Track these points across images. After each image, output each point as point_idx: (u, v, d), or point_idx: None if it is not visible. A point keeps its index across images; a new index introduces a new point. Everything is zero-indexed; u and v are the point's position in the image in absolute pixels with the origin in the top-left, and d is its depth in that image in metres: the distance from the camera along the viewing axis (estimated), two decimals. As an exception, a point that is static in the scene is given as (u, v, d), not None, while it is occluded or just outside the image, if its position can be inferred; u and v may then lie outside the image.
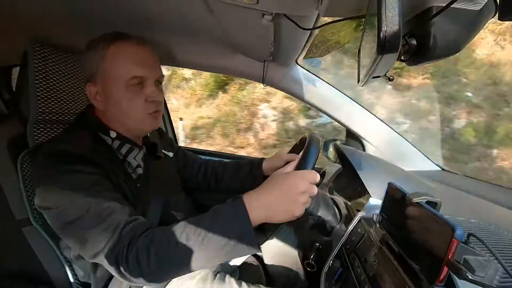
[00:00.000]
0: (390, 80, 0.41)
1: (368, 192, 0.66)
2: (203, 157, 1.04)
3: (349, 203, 0.77)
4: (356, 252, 0.58)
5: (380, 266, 0.50)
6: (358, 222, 0.63)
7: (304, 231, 0.70)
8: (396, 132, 1.08)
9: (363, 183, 0.67)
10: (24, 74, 0.72)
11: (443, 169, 1.08)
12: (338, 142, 1.07)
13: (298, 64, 1.00)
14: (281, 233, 0.96)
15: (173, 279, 0.67)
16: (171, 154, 0.88)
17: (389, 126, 1.08)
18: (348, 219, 0.70)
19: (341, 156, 0.89)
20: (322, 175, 1.01)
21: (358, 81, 0.46)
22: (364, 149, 1.13)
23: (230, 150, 3.56)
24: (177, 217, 0.74)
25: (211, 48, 0.93)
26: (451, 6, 0.35)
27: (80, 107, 0.84)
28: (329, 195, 0.84)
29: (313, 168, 0.55)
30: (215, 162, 0.98)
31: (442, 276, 0.36)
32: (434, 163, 1.08)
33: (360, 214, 0.64)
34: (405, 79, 3.28)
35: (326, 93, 1.05)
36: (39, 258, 0.68)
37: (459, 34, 0.41)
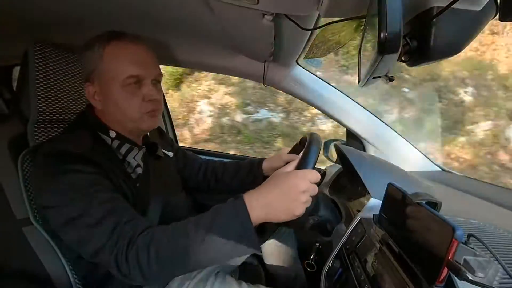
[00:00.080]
0: (390, 80, 0.41)
1: (368, 193, 0.66)
2: (203, 157, 1.04)
3: (349, 203, 0.77)
4: (356, 252, 0.58)
5: (380, 266, 0.50)
6: (358, 222, 0.63)
7: (304, 231, 0.69)
8: (397, 132, 1.08)
9: (363, 183, 0.67)
10: (25, 74, 0.72)
11: (443, 170, 1.08)
12: (338, 142, 1.07)
13: (299, 64, 1.00)
14: (281, 233, 0.96)
15: (172, 279, 0.67)
16: (171, 154, 0.88)
17: (389, 127, 1.08)
18: (348, 219, 0.70)
19: (341, 156, 0.89)
20: (323, 175, 1.01)
21: (359, 81, 0.46)
22: (364, 149, 1.13)
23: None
24: (177, 217, 0.74)
25: (212, 48, 0.93)
26: (452, 6, 0.35)
27: (81, 106, 0.84)
28: (329, 195, 0.84)
29: (314, 168, 0.55)
30: (215, 162, 0.98)
31: (442, 277, 0.36)
32: (435, 164, 1.08)
33: (360, 215, 0.64)
34: (350, 75, 3.39)
35: (327, 93, 1.05)
36: (39, 258, 0.68)
37: (459, 35, 0.41)
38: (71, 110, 0.81)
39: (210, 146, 3.32)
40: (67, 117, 0.80)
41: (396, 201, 0.50)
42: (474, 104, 2.98)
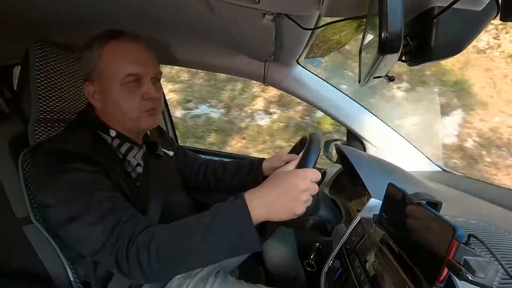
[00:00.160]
0: (391, 80, 0.41)
1: (368, 193, 0.66)
2: (203, 156, 1.04)
3: (349, 203, 0.77)
4: (356, 252, 0.58)
5: (380, 266, 0.50)
6: (358, 222, 0.63)
7: (304, 231, 0.69)
8: (397, 132, 1.08)
9: (363, 183, 0.67)
10: (25, 73, 0.72)
11: (443, 170, 1.08)
12: (338, 142, 1.07)
13: (299, 64, 1.00)
14: (281, 233, 0.96)
15: (173, 279, 0.67)
16: (171, 153, 0.88)
17: (389, 127, 1.08)
18: (348, 219, 0.70)
19: (342, 156, 0.89)
20: (323, 174, 1.01)
21: (359, 81, 0.46)
22: (364, 149, 1.13)
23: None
24: (178, 217, 0.74)
25: (212, 48, 0.93)
26: (453, 6, 0.35)
27: (81, 106, 0.84)
28: (329, 195, 0.84)
29: (314, 167, 0.55)
30: (215, 161, 0.99)
31: (442, 277, 0.36)
32: (435, 164, 1.08)
33: (360, 214, 0.64)
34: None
35: (327, 93, 1.05)
36: (40, 257, 0.68)
37: (460, 35, 0.41)
38: (71, 109, 0.81)
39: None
40: (67, 116, 0.80)
41: (396, 201, 0.50)
42: (406, 99, 3.08)
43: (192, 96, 3.61)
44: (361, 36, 0.43)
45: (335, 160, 1.12)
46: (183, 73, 3.70)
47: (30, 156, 0.69)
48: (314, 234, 0.74)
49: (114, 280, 0.66)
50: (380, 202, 0.55)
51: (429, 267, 0.39)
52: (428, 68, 3.08)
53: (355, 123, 1.07)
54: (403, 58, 0.45)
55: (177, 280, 0.67)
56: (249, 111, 3.47)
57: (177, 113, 3.52)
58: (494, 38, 3.03)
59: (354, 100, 1.06)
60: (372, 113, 1.07)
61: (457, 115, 2.90)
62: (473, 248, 0.39)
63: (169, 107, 1.57)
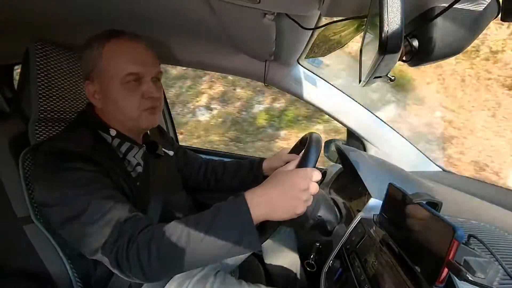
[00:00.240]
0: (391, 80, 0.40)
1: (368, 193, 0.66)
2: (203, 156, 1.04)
3: (349, 203, 0.77)
4: (356, 252, 0.58)
5: (380, 266, 0.50)
6: (358, 222, 0.63)
7: (305, 231, 0.69)
8: (397, 132, 1.08)
9: (363, 184, 0.67)
10: (26, 73, 0.72)
11: (444, 170, 1.07)
12: (339, 142, 1.07)
13: (300, 64, 1.00)
14: (281, 233, 0.96)
15: (173, 278, 0.67)
16: (171, 153, 0.88)
17: (390, 127, 1.08)
18: (348, 219, 0.70)
19: (342, 156, 0.89)
20: (323, 174, 1.01)
21: (360, 81, 0.46)
22: (365, 150, 1.13)
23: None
24: (177, 216, 0.74)
25: (213, 48, 0.93)
26: (454, 6, 0.35)
27: (82, 105, 0.84)
28: (329, 195, 0.84)
29: (315, 167, 0.55)
30: (215, 161, 0.99)
31: (442, 277, 0.36)
32: (435, 164, 1.08)
33: (360, 215, 0.64)
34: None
35: (327, 93, 1.05)
36: (40, 256, 0.68)
37: (461, 35, 0.41)
38: (72, 108, 0.81)
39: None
40: (67, 116, 0.80)
41: (397, 201, 0.50)
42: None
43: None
44: (361, 36, 0.43)
45: (335, 160, 1.12)
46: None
47: (31, 156, 0.69)
48: (314, 234, 0.74)
49: (114, 279, 0.66)
50: (380, 202, 0.55)
51: (429, 267, 0.39)
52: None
53: (355, 123, 1.07)
54: (404, 58, 0.45)
55: (177, 280, 0.67)
56: (192, 107, 3.58)
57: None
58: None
59: (355, 100, 1.06)
60: (372, 113, 1.07)
61: (389, 110, 2.97)
62: (473, 248, 0.39)
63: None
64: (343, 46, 0.57)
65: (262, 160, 0.89)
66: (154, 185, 0.71)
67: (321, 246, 0.75)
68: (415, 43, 0.42)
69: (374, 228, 0.57)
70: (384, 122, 1.08)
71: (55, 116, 0.77)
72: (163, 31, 0.81)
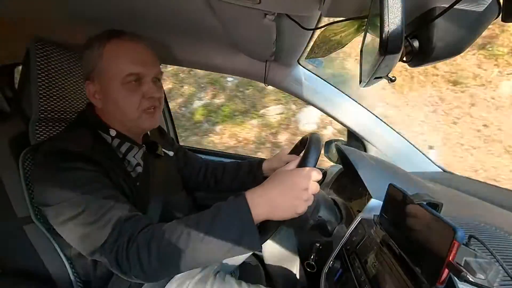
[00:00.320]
0: (392, 80, 0.40)
1: (369, 193, 0.66)
2: (203, 156, 1.04)
3: (349, 204, 0.77)
4: (356, 253, 0.58)
5: (381, 267, 0.50)
6: (358, 222, 0.63)
7: (305, 231, 0.69)
8: (398, 133, 1.08)
9: (364, 184, 0.67)
10: (26, 73, 0.72)
11: (444, 171, 1.07)
12: (339, 143, 1.07)
13: (300, 64, 1.00)
14: (282, 233, 0.96)
15: (173, 279, 0.67)
16: (171, 153, 0.88)
17: (390, 127, 1.08)
18: (348, 220, 0.69)
19: (342, 157, 0.89)
20: (324, 175, 1.01)
21: (360, 82, 0.46)
22: (365, 150, 1.12)
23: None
24: (177, 216, 0.74)
25: (213, 48, 0.93)
26: (454, 7, 0.35)
27: (82, 105, 0.84)
28: (330, 195, 0.84)
29: (315, 167, 0.55)
30: (215, 163, 0.98)
31: (442, 278, 0.36)
32: (436, 165, 1.08)
33: (360, 215, 0.64)
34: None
35: (328, 93, 1.05)
36: (40, 256, 0.68)
37: (461, 35, 0.41)
38: (72, 108, 0.81)
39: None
40: (68, 116, 0.80)
41: (397, 202, 0.50)
42: (274, 90, 3.18)
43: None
44: (362, 37, 0.43)
45: (335, 161, 1.11)
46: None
47: (31, 156, 0.69)
48: (314, 235, 0.73)
49: (114, 279, 0.66)
50: (381, 202, 0.55)
51: (430, 268, 0.39)
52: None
53: (355, 123, 1.07)
54: (404, 59, 0.45)
55: (177, 280, 0.67)
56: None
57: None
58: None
59: (355, 100, 1.06)
60: (372, 113, 1.07)
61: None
62: (474, 249, 0.39)
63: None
64: (343, 47, 0.57)
65: (261, 160, 0.88)
66: (154, 185, 0.71)
67: (321, 246, 0.75)
68: (416, 43, 0.42)
69: (374, 228, 0.57)
70: (385, 123, 1.08)
71: (56, 116, 0.77)
72: (163, 31, 0.81)
